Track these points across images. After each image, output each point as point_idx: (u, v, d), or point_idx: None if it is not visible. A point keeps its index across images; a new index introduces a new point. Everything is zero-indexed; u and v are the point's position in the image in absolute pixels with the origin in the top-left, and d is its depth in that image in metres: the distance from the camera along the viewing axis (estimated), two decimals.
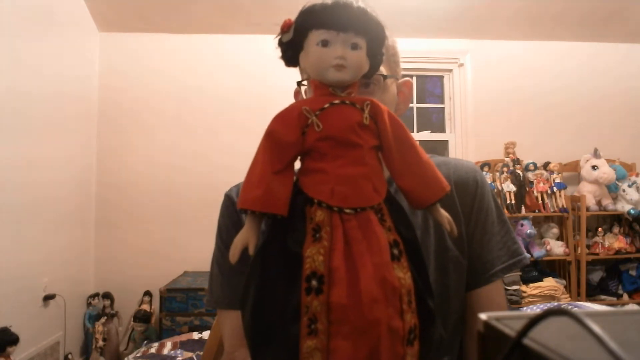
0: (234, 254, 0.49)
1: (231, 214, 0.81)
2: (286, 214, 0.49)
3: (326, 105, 0.51)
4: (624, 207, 3.16)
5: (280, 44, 0.54)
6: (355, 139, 0.50)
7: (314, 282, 0.46)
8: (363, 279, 0.45)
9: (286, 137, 0.51)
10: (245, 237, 0.50)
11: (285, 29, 0.53)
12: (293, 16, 0.55)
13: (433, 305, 0.52)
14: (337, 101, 0.52)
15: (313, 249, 0.47)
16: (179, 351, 2.21)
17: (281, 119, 0.52)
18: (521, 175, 3.20)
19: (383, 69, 0.76)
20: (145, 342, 2.80)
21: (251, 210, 0.49)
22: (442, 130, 3.62)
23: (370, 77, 0.58)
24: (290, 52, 0.54)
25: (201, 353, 2.07)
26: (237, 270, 0.51)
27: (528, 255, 3.40)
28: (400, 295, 0.47)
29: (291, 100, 0.82)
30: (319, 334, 0.45)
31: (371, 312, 0.45)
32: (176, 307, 2.78)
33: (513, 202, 3.14)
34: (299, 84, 0.73)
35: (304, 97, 0.78)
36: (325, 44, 0.51)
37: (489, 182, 3.17)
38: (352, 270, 0.46)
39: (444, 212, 0.55)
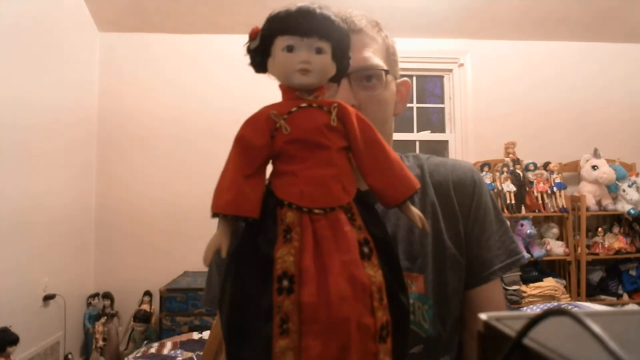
0: (206, 256, 0.51)
1: None
2: (257, 216, 0.50)
3: (293, 109, 0.53)
4: (624, 207, 3.16)
5: (249, 51, 0.55)
6: (323, 141, 0.52)
7: (285, 282, 0.47)
8: (331, 277, 0.46)
9: (255, 142, 0.52)
10: (218, 241, 0.51)
11: (252, 36, 0.54)
12: None
13: (406, 301, 0.53)
14: (304, 104, 0.53)
15: (284, 249, 0.48)
16: (179, 351, 2.21)
17: (250, 124, 0.54)
18: (521, 175, 3.20)
19: (384, 65, 0.76)
20: (145, 342, 2.80)
21: (223, 214, 0.50)
22: (442, 130, 3.62)
23: (338, 81, 0.58)
24: (259, 59, 0.55)
25: (201, 353, 2.07)
26: None
27: (527, 255, 3.39)
28: (370, 292, 0.48)
29: None
30: (290, 333, 0.46)
31: (340, 309, 0.45)
32: (176, 307, 2.78)
33: (513, 202, 3.14)
34: None
35: None
36: (290, 49, 0.52)
37: (489, 182, 3.16)
38: (322, 269, 0.47)
39: (414, 210, 0.56)
